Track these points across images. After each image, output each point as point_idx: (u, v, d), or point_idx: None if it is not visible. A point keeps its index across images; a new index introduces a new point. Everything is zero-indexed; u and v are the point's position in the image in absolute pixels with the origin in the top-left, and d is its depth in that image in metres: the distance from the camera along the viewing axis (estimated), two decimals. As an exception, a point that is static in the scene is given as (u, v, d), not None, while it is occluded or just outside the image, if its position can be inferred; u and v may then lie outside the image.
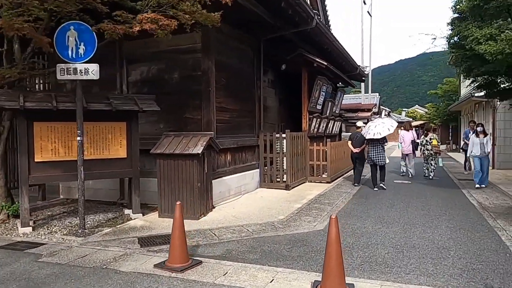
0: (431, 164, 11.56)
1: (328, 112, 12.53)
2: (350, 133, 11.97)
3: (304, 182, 10.35)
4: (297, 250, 4.69)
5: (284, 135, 9.25)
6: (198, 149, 6.05)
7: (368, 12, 24.76)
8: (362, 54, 23.35)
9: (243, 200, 7.90)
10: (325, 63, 9.87)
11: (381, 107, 35.57)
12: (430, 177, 11.41)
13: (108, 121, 6.30)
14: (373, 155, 9.40)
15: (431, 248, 4.72)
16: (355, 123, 11.50)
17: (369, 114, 19.97)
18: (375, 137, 9.19)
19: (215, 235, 5.37)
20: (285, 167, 9.27)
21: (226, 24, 7.93)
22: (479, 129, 9.53)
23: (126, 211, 6.75)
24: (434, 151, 11.51)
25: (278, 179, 9.39)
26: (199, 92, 7.33)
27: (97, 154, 6.24)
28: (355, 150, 9.98)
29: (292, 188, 9.34)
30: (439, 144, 12.29)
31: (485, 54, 6.71)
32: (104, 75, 8.54)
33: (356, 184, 9.96)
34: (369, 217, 6.40)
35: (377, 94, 30.86)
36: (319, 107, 11.42)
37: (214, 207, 7.02)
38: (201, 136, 6.40)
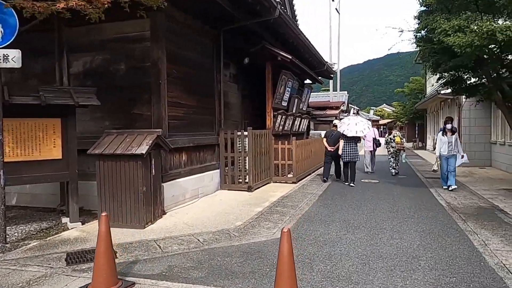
0: (396, 159, 12.06)
1: (294, 109, 12.04)
2: (324, 131, 12.27)
3: (268, 183, 9.79)
4: (250, 264, 4.08)
5: (246, 133, 8.64)
6: (143, 149, 5.33)
7: (336, 9, 24.60)
8: (330, 51, 23.14)
9: (200, 204, 7.22)
10: (290, 57, 9.34)
11: (349, 105, 35.73)
12: (395, 172, 11.89)
13: (38, 117, 5.46)
14: (349, 152, 9.68)
15: (399, 257, 4.23)
16: (331, 121, 12.17)
17: (337, 111, 19.73)
18: (358, 135, 9.69)
19: (159, 247, 4.68)
20: (247, 167, 8.66)
21: (181, 13, 7.26)
22: (448, 126, 8.79)
23: (64, 220, 5.93)
24: (398, 147, 11.96)
25: (240, 180, 8.77)
26: (148, 86, 6.59)
27: (25, 155, 5.39)
28: (330, 149, 10.08)
29: (255, 189, 8.76)
30: (403, 141, 12.60)
31: (454, 47, 6.36)
32: (42, 66, 7.74)
33: (325, 179, 10.20)
34: (334, 222, 5.89)
35: (346, 92, 30.88)
36: (284, 103, 10.89)
37: (165, 213, 6.31)
38: (147, 134, 5.68)
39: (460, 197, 7.89)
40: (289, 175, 10.11)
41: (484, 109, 13.53)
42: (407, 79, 46.85)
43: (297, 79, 12.07)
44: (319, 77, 16.84)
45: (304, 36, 11.08)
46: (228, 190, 8.69)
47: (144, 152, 5.28)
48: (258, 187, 8.99)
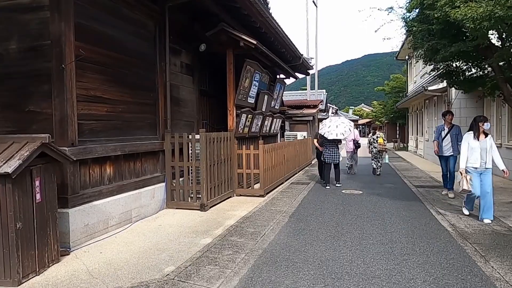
0: (378, 161, 11.85)
1: (264, 107, 10.30)
2: (301, 133, 12.72)
3: (230, 197, 8.01)
4: None
5: (198, 136, 6.83)
6: (10, 166, 3.45)
7: (313, 1, 23.00)
8: (307, 45, 21.54)
9: (127, 234, 5.36)
10: (254, 42, 7.58)
11: (328, 104, 34.36)
12: (377, 173, 11.74)
13: None
14: (330, 154, 9.38)
15: None
16: (308, 121, 12.32)
17: (315, 110, 18.14)
18: (338, 137, 9.26)
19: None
20: (200, 180, 6.85)
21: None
22: (485, 126, 5.88)
23: None
24: (380, 148, 11.76)
25: (192, 196, 6.96)
26: (48, 72, 4.71)
27: None
28: (321, 149, 9.85)
29: (211, 207, 6.97)
30: (385, 142, 12.20)
31: (464, 21, 4.74)
32: None
33: (324, 182, 9.60)
34: (306, 264, 4.15)
35: (324, 90, 29.43)
36: (251, 100, 9.13)
37: (67, 254, 4.43)
38: (27, 142, 3.79)
39: (464, 216, 6.31)
40: (256, 186, 8.36)
41: (476, 107, 12.16)
42: (384, 79, 46.02)
43: (267, 72, 10.33)
44: (295, 73, 15.20)
45: (275, 21, 9.35)
46: (176, 208, 6.86)
47: (11, 170, 3.40)
48: (215, 204, 7.20)
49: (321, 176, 10.32)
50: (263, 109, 10.25)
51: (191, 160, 6.83)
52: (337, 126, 9.32)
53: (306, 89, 26.66)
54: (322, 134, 9.46)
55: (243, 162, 8.27)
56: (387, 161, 12.60)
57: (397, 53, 21.85)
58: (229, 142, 8.03)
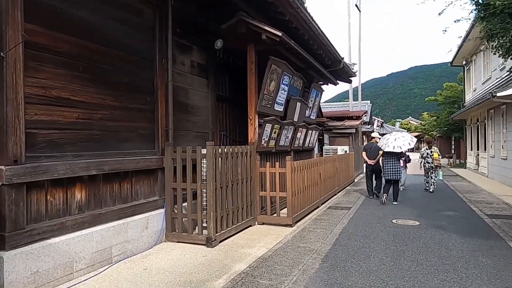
0: (431, 177, 11.11)
1: (296, 116, 8.73)
2: (342, 147, 12.38)
3: (249, 226, 6.46)
4: None
5: (205, 151, 5.38)
6: None
7: (356, 6, 21.30)
8: (349, 50, 19.76)
9: (95, 284, 3.97)
10: (279, 34, 6.08)
11: (373, 117, 32.08)
12: (431, 190, 10.99)
13: None
14: (388, 169, 8.97)
15: None
16: (350, 133, 12.71)
17: (358, 122, 16.27)
18: (395, 150, 8.79)
19: None
20: (207, 207, 5.37)
21: None
22: None
23: None
24: (435, 164, 11.15)
25: (204, 225, 5.47)
26: (-16, 63, 3.47)
27: None
28: (370, 162, 9.90)
29: (221, 241, 5.46)
30: (440, 157, 11.74)
31: None
32: None
33: (371, 197, 9.81)
34: None
35: (368, 101, 27.31)
36: (278, 107, 7.60)
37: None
38: None
39: None
40: (283, 213, 6.76)
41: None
42: (433, 91, 42.65)
43: (300, 76, 8.79)
44: (336, 79, 13.52)
45: (309, 15, 7.83)
46: (177, 242, 5.42)
47: None
48: (228, 237, 5.67)
49: (369, 192, 10.14)
50: (295, 119, 8.67)
51: (198, 181, 5.38)
52: (396, 139, 8.94)
53: (348, 101, 24.69)
54: (380, 146, 9.30)
55: (266, 183, 6.72)
56: (441, 177, 11.82)
57: (453, 58, 19.47)
58: (249, 158, 6.53)
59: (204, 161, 5.34)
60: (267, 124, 6.83)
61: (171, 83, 5.60)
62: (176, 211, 5.48)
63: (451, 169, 20.73)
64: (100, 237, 4.33)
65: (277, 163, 6.68)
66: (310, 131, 10.01)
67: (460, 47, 18.22)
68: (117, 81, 4.79)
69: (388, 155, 8.96)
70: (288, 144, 8.45)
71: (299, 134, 9.04)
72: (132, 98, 5.05)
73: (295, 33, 8.03)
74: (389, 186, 9.07)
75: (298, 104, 8.76)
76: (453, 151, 25.18)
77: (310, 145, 10.59)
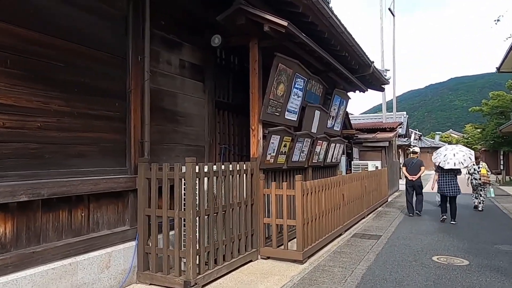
0: (480, 194, 10.44)
1: (314, 127, 7.47)
2: (374, 162, 11.86)
3: (250, 261, 5.22)
4: None
5: (214, 168, 4.24)
6: None
7: (390, 9, 19.81)
8: (382, 56, 18.30)
9: None
10: (285, 23, 4.90)
11: (410, 129, 30.00)
12: (479, 208, 10.30)
13: None
14: (446, 185, 8.51)
15: None
16: (383, 147, 12.41)
17: (392, 135, 14.67)
18: (457, 167, 8.34)
19: None
20: (187, 240, 4.20)
21: None
22: None
23: None
24: (483, 181, 10.40)
25: (182, 263, 4.31)
26: None
27: None
28: (411, 178, 9.52)
29: (206, 285, 4.25)
30: (489, 173, 10.74)
31: None
32: None
33: (411, 215, 9.40)
34: None
35: (405, 113, 25.40)
36: (290, 116, 6.38)
37: None
38: None
39: None
40: (293, 244, 5.47)
41: None
42: (475, 103, 39.75)
43: (319, 79, 7.55)
44: (366, 88, 12.14)
45: (328, 7, 6.62)
46: (150, 285, 4.27)
47: None
48: (216, 278, 4.46)
49: (408, 209, 9.62)
50: (313, 130, 7.41)
51: (176, 207, 4.23)
52: (455, 155, 8.46)
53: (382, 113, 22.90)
54: (437, 163, 8.68)
55: (272, 208, 5.48)
56: (492, 195, 11.17)
57: (501, 62, 17.39)
58: (249, 177, 5.33)
59: (182, 182, 4.20)
60: (273, 136, 5.61)
61: (148, 84, 4.54)
62: (150, 245, 4.35)
63: (500, 187, 18.43)
64: (30, 285, 3.26)
65: (284, 183, 5.41)
66: (333, 144, 8.67)
67: (507, 54, 16.26)
68: (70, 81, 3.78)
69: (445, 170, 8.50)
70: (304, 159, 7.17)
71: (318, 148, 7.74)
72: (93, 102, 4.02)
73: (312, 30, 6.79)
74: (445, 204, 8.65)
75: (317, 112, 7.50)
76: (501, 167, 22.71)
77: (334, 161, 9.23)
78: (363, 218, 9.01)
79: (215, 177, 4.58)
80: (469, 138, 31.78)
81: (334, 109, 8.68)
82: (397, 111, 23.94)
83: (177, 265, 4.18)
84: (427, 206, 10.52)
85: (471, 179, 10.64)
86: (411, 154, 10.54)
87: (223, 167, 4.74)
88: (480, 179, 10.40)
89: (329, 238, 6.39)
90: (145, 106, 4.53)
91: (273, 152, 5.79)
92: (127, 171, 4.39)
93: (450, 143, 49.60)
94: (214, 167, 4.58)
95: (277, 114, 5.93)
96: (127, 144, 4.42)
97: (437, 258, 5.51)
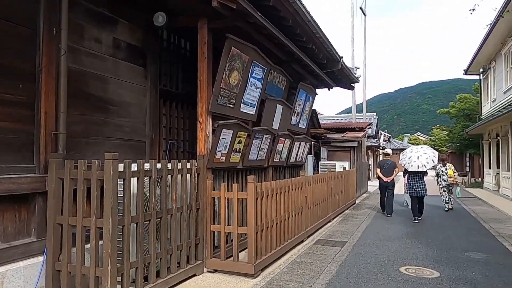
0: (448, 194, 10.66)
1: (276, 122, 6.80)
2: (341, 162, 11.47)
3: (193, 276, 4.47)
4: None
5: (146, 166, 3.45)
6: None
7: (361, 8, 19.53)
8: (352, 54, 17.89)
9: None
10: (237, -2, 4.18)
11: (379, 131, 30.07)
12: (448, 207, 10.59)
13: None
14: (414, 186, 8.73)
15: None
16: (352, 147, 12.57)
17: (360, 135, 14.26)
18: (420, 169, 8.60)
19: None
20: (104, 256, 3.40)
21: None
22: None
23: None
24: (450, 181, 10.63)
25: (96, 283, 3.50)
26: None
27: None
28: (385, 180, 9.50)
29: (130, 310, 3.47)
30: (456, 174, 10.97)
31: None
32: None
33: (386, 214, 9.52)
34: None
35: (374, 114, 25.31)
36: (247, 109, 5.67)
37: None
38: None
39: None
40: (245, 255, 4.75)
41: None
42: (441, 107, 40.60)
43: (282, 71, 6.90)
44: (335, 84, 11.62)
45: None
46: (59, 311, 3.44)
47: None
48: (145, 301, 3.68)
49: (382, 208, 9.91)
50: (275, 126, 6.75)
51: (93, 215, 3.42)
52: (418, 157, 8.71)
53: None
54: (403, 165, 9.01)
55: (221, 213, 4.74)
56: (459, 195, 11.27)
57: (468, 65, 17.49)
58: (195, 178, 4.58)
59: (121, 182, 3.40)
60: (224, 130, 4.88)
61: (65, 62, 3.70)
62: (62, 260, 3.52)
63: (466, 189, 18.48)
64: None
65: (235, 185, 4.69)
66: (297, 143, 8.04)
67: (474, 56, 16.31)
68: None
69: (414, 172, 8.70)
70: (263, 158, 6.48)
71: (280, 146, 7.08)
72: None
73: (275, 17, 6.07)
74: (415, 203, 8.79)
75: (279, 107, 6.84)
76: (467, 169, 22.96)
77: (298, 160, 8.61)
78: (329, 222, 8.43)
79: (147, 178, 3.80)
80: (436, 141, 32.21)
81: (299, 105, 8.05)
82: (367, 112, 23.82)
83: (93, 286, 3.37)
84: (396, 206, 10.36)
85: (440, 181, 10.80)
86: (384, 156, 10.75)
87: (158, 165, 3.97)
88: (447, 180, 10.61)
89: (289, 246, 5.73)
90: (61, 89, 3.69)
91: (225, 149, 5.06)
92: (35, 169, 3.55)
93: (417, 145, 50.60)
94: (147, 166, 3.80)
95: (231, 106, 5.21)
96: (36, 136, 3.58)
97: (405, 269, 4.95)
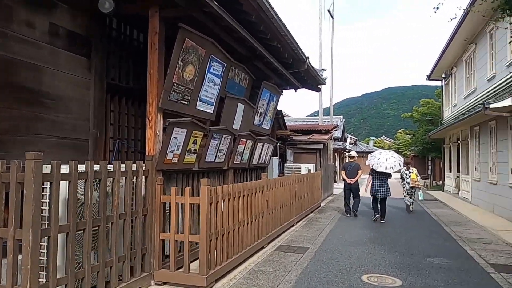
0: (411, 197, 11.08)
1: (237, 122, 6.45)
2: (307, 165, 11.86)
3: (137, 290, 4.03)
4: None
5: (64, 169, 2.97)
6: None
7: (329, 11, 19.58)
8: (320, 57, 17.85)
9: None
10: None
11: (346, 134, 30.42)
12: (410, 209, 10.98)
13: None
14: (377, 187, 9.03)
15: None
16: (318, 149, 13.07)
17: (327, 137, 14.17)
18: (387, 171, 8.95)
19: None
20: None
21: None
22: None
23: None
24: (413, 185, 10.98)
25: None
26: None
27: None
28: (349, 181, 9.79)
29: (56, 334, 3.00)
30: (418, 178, 11.34)
31: None
32: None
33: (348, 215, 9.74)
34: None
35: (341, 116, 25.52)
36: (204, 107, 5.28)
37: None
38: None
39: None
40: (196, 265, 4.35)
41: None
42: (405, 112, 41.86)
43: (245, 69, 6.56)
44: (302, 85, 11.43)
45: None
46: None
47: None
48: (76, 322, 3.22)
49: (346, 211, 10.02)
50: (236, 126, 6.40)
51: (10, 224, 2.93)
52: (387, 160, 9.12)
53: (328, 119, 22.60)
54: (371, 166, 9.27)
55: (171, 219, 4.33)
56: (421, 198, 11.74)
57: (431, 70, 17.87)
58: (142, 181, 4.15)
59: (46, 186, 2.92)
60: (176, 129, 4.47)
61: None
62: (-26, 278, 3.01)
63: (428, 191, 18.86)
64: None
65: (187, 189, 4.29)
66: (260, 144, 7.73)
67: (437, 62, 16.67)
68: None
69: (378, 173, 9.04)
70: (223, 160, 6.11)
71: (241, 147, 6.73)
72: None
73: (237, 11, 5.73)
74: (377, 204, 9.12)
75: (241, 106, 6.50)
76: (429, 172, 23.55)
77: (262, 162, 8.30)
78: (292, 226, 8.18)
79: (82, 181, 3.34)
80: (400, 144, 32.99)
81: (263, 105, 7.74)
82: (335, 115, 23.98)
83: (11, 307, 2.88)
84: (362, 208, 10.47)
85: (404, 184, 11.17)
86: (349, 158, 10.99)
87: (96, 167, 3.51)
88: (410, 183, 10.94)
89: (248, 253, 5.39)
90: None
91: (178, 150, 4.65)
92: None
93: (382, 148, 51.88)
94: (81, 167, 3.34)
95: (185, 103, 4.81)
96: None
97: (367, 278, 4.72)
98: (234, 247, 4.92)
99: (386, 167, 8.92)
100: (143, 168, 4.20)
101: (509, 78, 9.44)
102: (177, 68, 4.43)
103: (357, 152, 14.02)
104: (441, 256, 5.88)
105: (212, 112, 5.53)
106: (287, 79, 8.65)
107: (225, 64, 5.56)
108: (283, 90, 11.84)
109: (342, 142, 24.54)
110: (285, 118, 24.76)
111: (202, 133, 5.11)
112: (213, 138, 5.48)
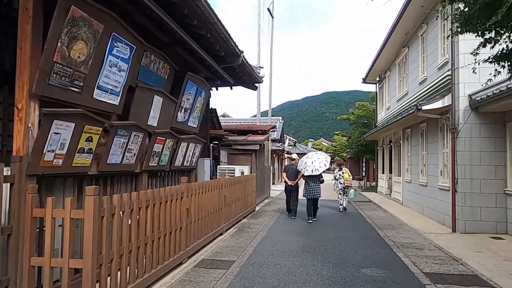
0: (344, 197, 11.58)
1: (154, 117, 5.52)
2: (240, 167, 11.37)
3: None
4: None
5: None
6: None
7: (268, 9, 19.16)
8: (258, 55, 17.31)
9: None
10: None
11: (285, 135, 30.36)
12: (341, 209, 11.44)
13: None
14: (309, 189, 9.42)
15: None
16: (254, 150, 12.70)
17: (263, 137, 13.60)
18: (314, 173, 9.30)
19: None
20: None
21: None
22: None
23: None
24: (346, 184, 11.50)
25: None
26: None
27: None
28: (290, 183, 9.96)
29: None
30: (351, 178, 11.95)
31: None
32: None
33: (293, 217, 9.80)
34: None
35: (280, 118, 25.31)
36: (105, 96, 4.31)
37: None
38: None
39: None
40: (85, 298, 3.39)
41: (495, 136, 8.11)
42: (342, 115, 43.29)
43: (164, 56, 5.65)
44: (235, 82, 10.75)
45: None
46: None
47: None
48: None
49: (288, 211, 10.31)
50: (151, 122, 5.46)
51: None
52: (312, 163, 9.41)
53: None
54: (300, 170, 9.60)
55: (47, 240, 3.32)
56: (353, 195, 12.03)
57: (366, 73, 18.17)
58: (0, 190, 3.10)
59: None
60: (57, 122, 3.47)
61: None
62: None
63: (362, 193, 19.16)
64: None
65: (68, 199, 3.32)
66: (184, 144, 6.85)
67: (372, 65, 16.94)
68: None
69: (308, 176, 9.42)
70: (133, 161, 5.15)
71: (159, 146, 5.81)
72: None
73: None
74: (310, 205, 9.43)
75: (158, 99, 5.58)
76: (363, 173, 24.10)
77: (187, 164, 7.41)
78: (221, 234, 7.41)
79: None
80: (337, 146, 33.71)
81: (188, 99, 6.87)
82: (274, 117, 23.70)
83: None
84: (299, 208, 10.20)
85: (337, 184, 11.76)
86: (290, 160, 11.13)
87: None
88: (343, 183, 11.56)
89: (159, 273, 4.50)
90: None
91: (62, 149, 3.64)
92: None
93: (320, 150, 53.18)
94: None
95: (76, 89, 3.81)
96: None
97: (296, 299, 4.08)
98: (138, 269, 4.01)
99: (312, 170, 9.30)
100: (8, 172, 3.16)
101: (440, 81, 9.50)
102: (59, 44, 3.44)
103: (298, 154, 13.83)
104: (375, 266, 5.45)
105: (117, 103, 4.57)
106: (217, 72, 7.86)
107: (135, 47, 4.63)
108: (219, 88, 11.10)
109: (280, 143, 24.30)
110: (224, 118, 24.00)
111: (101, 129, 4.14)
112: (117, 135, 4.52)
